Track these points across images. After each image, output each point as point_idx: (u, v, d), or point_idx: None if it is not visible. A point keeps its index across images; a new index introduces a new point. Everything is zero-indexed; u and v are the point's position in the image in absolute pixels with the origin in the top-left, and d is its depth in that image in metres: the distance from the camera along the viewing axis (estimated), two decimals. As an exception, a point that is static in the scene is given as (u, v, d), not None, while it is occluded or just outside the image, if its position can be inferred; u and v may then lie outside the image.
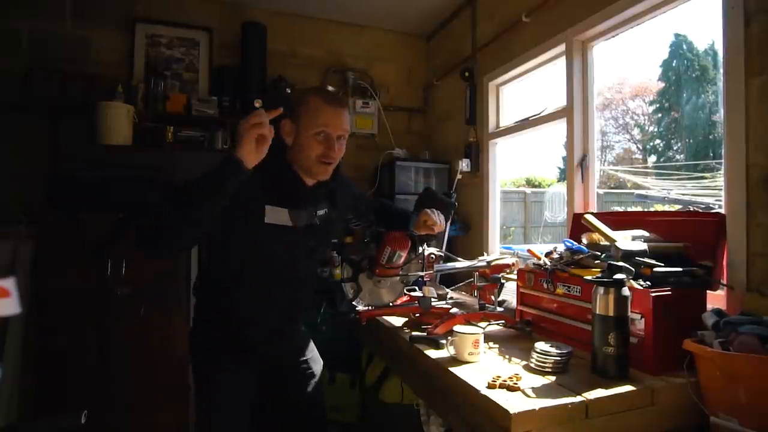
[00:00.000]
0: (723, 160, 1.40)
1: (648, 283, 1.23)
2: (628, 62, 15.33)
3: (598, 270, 1.33)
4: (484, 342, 1.31)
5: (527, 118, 2.42)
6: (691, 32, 11.21)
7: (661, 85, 11.93)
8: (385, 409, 2.09)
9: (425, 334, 1.46)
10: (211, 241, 1.40)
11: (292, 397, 1.50)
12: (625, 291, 1.15)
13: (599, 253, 1.39)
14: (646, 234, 1.44)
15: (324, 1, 2.99)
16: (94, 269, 1.94)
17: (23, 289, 1.80)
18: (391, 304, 1.80)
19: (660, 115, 12.19)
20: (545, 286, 1.49)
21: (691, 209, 2.83)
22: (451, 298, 2.06)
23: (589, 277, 1.25)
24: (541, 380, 1.12)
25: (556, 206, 5.92)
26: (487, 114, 2.69)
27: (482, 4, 2.75)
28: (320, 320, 2.24)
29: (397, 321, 1.73)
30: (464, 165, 2.66)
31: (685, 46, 11.34)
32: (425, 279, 1.94)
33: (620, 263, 1.23)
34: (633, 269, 1.23)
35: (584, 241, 1.49)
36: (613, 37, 1.92)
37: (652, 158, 11.49)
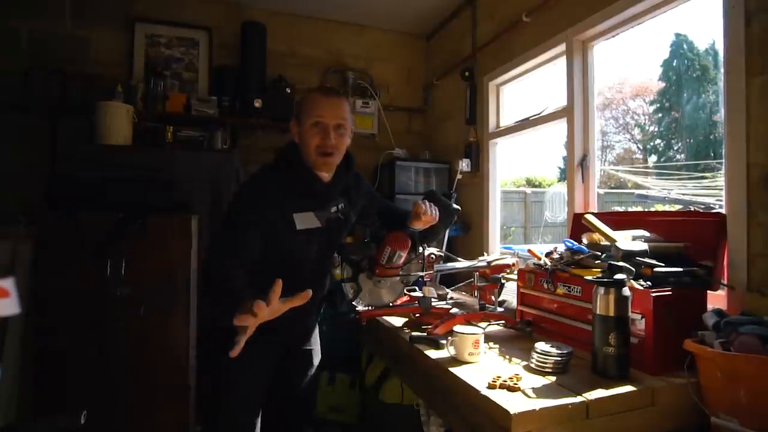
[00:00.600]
0: (723, 160, 1.40)
1: (648, 283, 1.23)
2: (628, 62, 15.36)
3: (599, 270, 1.33)
4: (485, 342, 1.31)
5: (527, 118, 2.41)
6: (691, 32, 11.23)
7: (662, 84, 11.93)
8: (385, 410, 2.09)
9: (425, 334, 1.46)
10: None
11: (292, 381, 1.56)
12: (626, 291, 1.15)
13: (600, 253, 1.39)
14: (646, 234, 1.43)
15: (324, 1, 2.98)
16: (93, 269, 1.93)
17: (22, 289, 1.81)
18: (391, 304, 1.80)
19: (660, 114, 12.19)
20: (545, 286, 1.49)
21: (692, 209, 2.83)
22: (452, 298, 2.06)
23: (589, 278, 1.25)
24: (541, 380, 1.12)
25: (557, 206, 5.92)
26: (487, 114, 2.69)
27: (482, 3, 2.74)
28: (320, 320, 2.23)
29: (397, 321, 1.73)
30: (464, 165, 2.66)
31: (685, 46, 11.35)
32: (425, 279, 1.94)
33: (621, 263, 1.23)
34: (633, 269, 1.23)
35: (585, 241, 1.48)
36: (614, 36, 1.92)
37: (653, 158, 11.50)
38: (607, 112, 11.81)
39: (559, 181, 8.94)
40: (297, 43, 3.14)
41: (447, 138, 3.16)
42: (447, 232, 2.46)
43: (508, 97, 2.71)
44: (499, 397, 1.01)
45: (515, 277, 1.71)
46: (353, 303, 1.79)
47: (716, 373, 1.02)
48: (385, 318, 1.77)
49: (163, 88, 2.65)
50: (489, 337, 1.41)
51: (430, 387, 1.34)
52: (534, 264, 1.59)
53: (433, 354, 1.33)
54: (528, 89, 2.63)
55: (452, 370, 1.19)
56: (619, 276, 1.17)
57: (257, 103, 2.72)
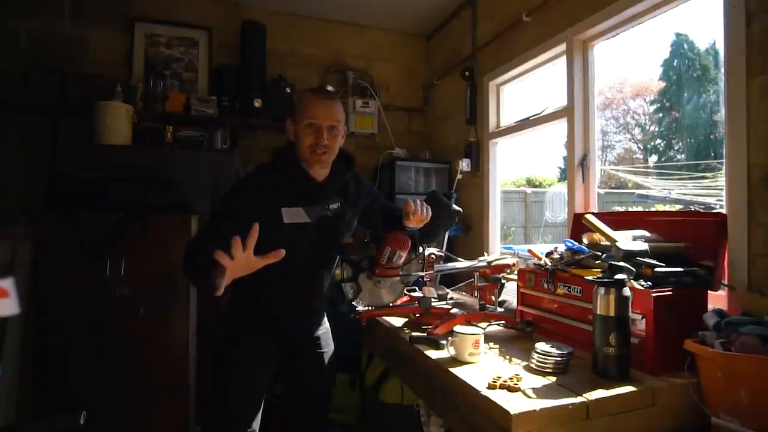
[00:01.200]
0: (724, 160, 1.40)
1: (649, 283, 1.23)
2: (628, 62, 15.34)
3: (599, 270, 1.32)
4: (485, 342, 1.31)
5: (527, 118, 2.41)
6: (692, 32, 11.22)
7: (662, 84, 11.92)
8: (385, 410, 2.09)
9: (425, 334, 1.46)
10: None
11: (299, 380, 1.58)
12: (626, 291, 1.15)
13: (600, 254, 1.39)
14: (647, 234, 1.43)
15: (324, 1, 2.98)
16: (93, 269, 1.93)
17: (22, 289, 1.80)
18: (391, 304, 1.80)
19: (661, 114, 12.18)
20: (546, 286, 1.49)
21: (692, 209, 2.83)
22: (452, 298, 2.05)
23: (589, 278, 1.24)
24: (541, 381, 1.12)
25: (557, 206, 5.92)
26: (487, 114, 2.69)
27: (482, 3, 2.74)
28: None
29: (397, 321, 1.73)
30: (464, 165, 2.66)
31: (686, 46, 11.34)
32: (425, 279, 1.93)
33: (621, 263, 1.23)
34: (634, 269, 1.23)
35: (585, 241, 1.48)
36: (614, 36, 1.92)
37: (653, 158, 11.49)
38: (607, 111, 11.82)
39: (559, 181, 8.94)
40: (297, 42, 3.13)
41: (447, 138, 3.15)
42: (447, 232, 2.46)
43: (508, 97, 2.70)
44: (500, 397, 1.01)
45: (515, 277, 1.70)
46: (353, 303, 1.79)
47: (717, 373, 1.02)
48: (385, 318, 1.77)
49: (162, 88, 2.65)
50: (489, 338, 1.41)
51: (430, 387, 1.34)
52: (534, 264, 1.59)
53: (433, 354, 1.33)
54: (528, 89, 2.63)
55: (452, 370, 1.19)
56: (619, 276, 1.17)
57: (257, 103, 2.72)
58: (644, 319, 1.19)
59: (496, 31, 2.50)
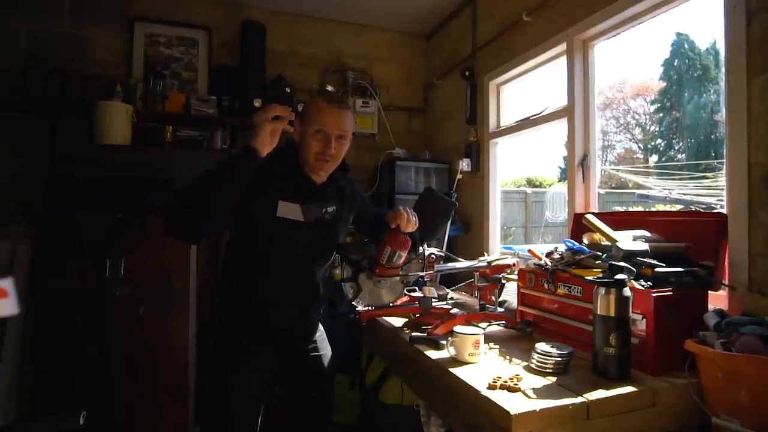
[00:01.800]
0: (724, 160, 1.40)
1: (649, 283, 1.22)
2: (629, 61, 15.35)
3: (599, 270, 1.32)
4: (485, 342, 1.31)
5: (528, 118, 2.41)
6: (692, 31, 11.23)
7: (663, 84, 11.93)
8: (385, 410, 2.09)
9: (425, 334, 1.45)
10: (229, 236, 1.48)
11: (300, 383, 1.57)
12: (627, 291, 1.14)
13: (600, 254, 1.39)
14: (647, 234, 1.43)
15: (323, 1, 2.98)
16: (92, 269, 1.93)
17: (22, 289, 1.80)
18: (391, 304, 1.79)
19: (661, 114, 12.19)
20: (546, 286, 1.49)
21: (693, 209, 2.83)
22: (452, 298, 2.05)
23: (590, 278, 1.24)
24: (541, 381, 1.12)
25: (557, 206, 5.92)
26: (487, 113, 2.68)
27: (482, 3, 2.74)
28: (320, 320, 2.23)
29: (397, 321, 1.72)
30: (464, 165, 2.66)
31: (686, 46, 11.35)
32: (425, 279, 1.93)
33: (621, 263, 1.22)
34: (634, 269, 1.22)
35: (585, 241, 1.48)
36: (614, 36, 1.92)
37: (654, 158, 11.50)
38: (607, 111, 11.83)
39: (559, 181, 8.94)
40: (297, 42, 3.13)
41: (447, 138, 3.15)
42: (447, 232, 2.46)
43: (508, 97, 2.70)
44: (500, 397, 1.01)
45: (515, 277, 1.70)
46: (353, 303, 1.79)
47: (717, 373, 1.02)
48: (385, 318, 1.76)
49: (162, 88, 2.65)
50: (489, 338, 1.41)
51: (431, 387, 1.34)
52: (534, 264, 1.58)
53: (433, 354, 1.32)
54: (528, 89, 2.63)
55: (452, 370, 1.19)
56: (619, 276, 1.16)
57: (257, 103, 2.72)
58: (644, 319, 1.18)
59: (497, 31, 2.50)
